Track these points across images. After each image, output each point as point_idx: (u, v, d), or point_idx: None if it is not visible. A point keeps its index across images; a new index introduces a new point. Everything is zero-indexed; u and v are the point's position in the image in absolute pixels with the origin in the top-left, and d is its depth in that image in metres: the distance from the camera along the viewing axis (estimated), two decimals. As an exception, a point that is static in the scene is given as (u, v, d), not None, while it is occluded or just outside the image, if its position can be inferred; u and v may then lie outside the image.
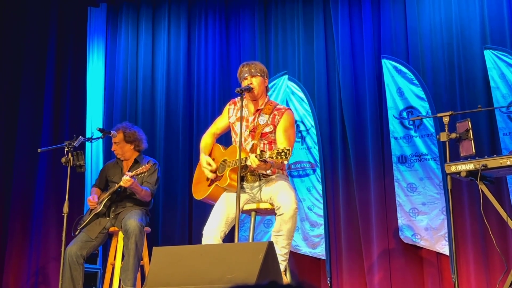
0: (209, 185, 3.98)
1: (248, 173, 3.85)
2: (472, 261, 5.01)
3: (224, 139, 4.71)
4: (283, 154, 3.48)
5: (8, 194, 5.50)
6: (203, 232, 3.80)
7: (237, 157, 3.64)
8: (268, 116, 3.93)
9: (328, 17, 5.96)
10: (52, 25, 6.02)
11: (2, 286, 5.33)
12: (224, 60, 6.30)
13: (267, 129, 3.91)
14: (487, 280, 4.92)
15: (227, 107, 4.14)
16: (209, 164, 3.93)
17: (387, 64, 5.53)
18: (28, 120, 5.71)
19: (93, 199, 4.71)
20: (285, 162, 3.57)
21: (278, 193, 3.74)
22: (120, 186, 4.59)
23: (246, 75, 3.94)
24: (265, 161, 3.62)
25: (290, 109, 4.05)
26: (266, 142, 3.91)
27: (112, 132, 4.83)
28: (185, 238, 5.86)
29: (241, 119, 3.80)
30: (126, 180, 4.48)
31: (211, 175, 3.94)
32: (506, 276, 3.58)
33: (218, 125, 4.17)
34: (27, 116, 5.72)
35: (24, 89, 5.77)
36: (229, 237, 4.24)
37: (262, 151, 3.65)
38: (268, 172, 3.84)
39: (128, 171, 4.64)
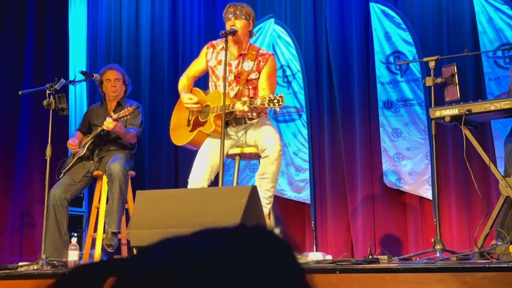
0: (191, 131, 3.94)
1: (232, 119, 3.83)
2: (454, 205, 5.08)
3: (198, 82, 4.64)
4: (275, 101, 3.46)
5: (-9, 138, 5.46)
6: (189, 180, 3.79)
7: (221, 103, 3.60)
8: (253, 63, 3.87)
9: (316, -41, 5.83)
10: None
11: (-12, 228, 5.35)
12: (209, 0, 6.18)
13: (253, 76, 3.87)
14: (468, 223, 5.00)
15: (204, 50, 4.08)
16: (191, 98, 3.88)
17: (375, 8, 5.45)
18: (9, 62, 5.62)
19: (73, 142, 4.67)
20: (278, 110, 3.54)
21: (263, 136, 3.74)
22: (103, 129, 4.55)
23: (230, 15, 3.87)
24: (254, 108, 3.60)
25: (273, 55, 4.02)
26: (251, 87, 3.89)
27: (94, 75, 4.76)
28: (171, 182, 5.87)
29: (225, 62, 3.74)
30: (109, 123, 4.42)
31: (196, 107, 3.88)
32: (487, 220, 3.63)
33: (195, 68, 4.11)
34: (8, 58, 5.62)
35: (5, 31, 5.66)
36: (213, 182, 4.25)
37: (252, 97, 3.63)
38: (253, 115, 3.83)
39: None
